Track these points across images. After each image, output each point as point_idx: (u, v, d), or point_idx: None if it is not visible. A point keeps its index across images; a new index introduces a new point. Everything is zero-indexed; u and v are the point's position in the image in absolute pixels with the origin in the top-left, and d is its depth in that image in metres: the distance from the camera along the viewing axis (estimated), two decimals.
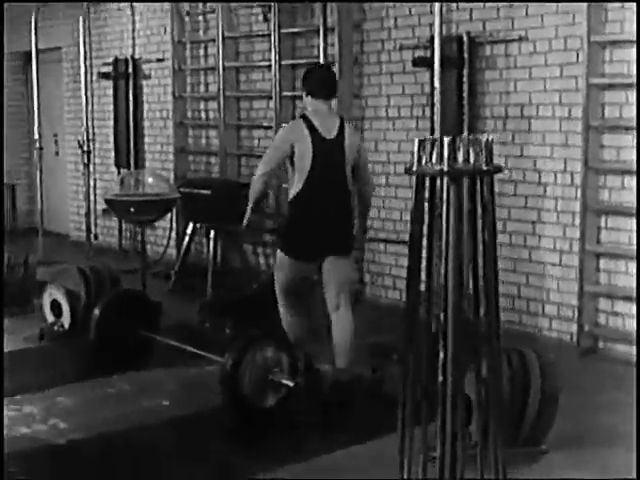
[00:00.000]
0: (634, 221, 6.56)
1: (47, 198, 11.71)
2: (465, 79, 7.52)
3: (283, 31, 9.02)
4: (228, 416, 5.59)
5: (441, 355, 3.93)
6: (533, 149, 7.27)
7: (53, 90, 12.93)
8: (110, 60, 11.17)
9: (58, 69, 12.81)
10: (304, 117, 5.91)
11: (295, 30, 9.10)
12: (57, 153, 13.22)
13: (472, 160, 3.88)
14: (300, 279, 6.13)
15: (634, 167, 6.52)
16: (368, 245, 8.46)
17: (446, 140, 3.79)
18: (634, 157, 6.54)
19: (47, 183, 11.73)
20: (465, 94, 7.51)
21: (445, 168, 3.82)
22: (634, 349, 6.52)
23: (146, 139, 11.06)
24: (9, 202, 13.48)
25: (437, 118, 7.22)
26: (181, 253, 9.69)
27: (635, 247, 6.53)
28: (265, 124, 9.43)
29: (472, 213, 3.91)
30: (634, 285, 6.60)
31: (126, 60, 10.97)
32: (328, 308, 6.07)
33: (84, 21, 10.56)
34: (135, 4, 10.96)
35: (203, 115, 10.46)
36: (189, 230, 9.64)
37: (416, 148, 3.89)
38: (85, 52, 10.61)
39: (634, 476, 4.35)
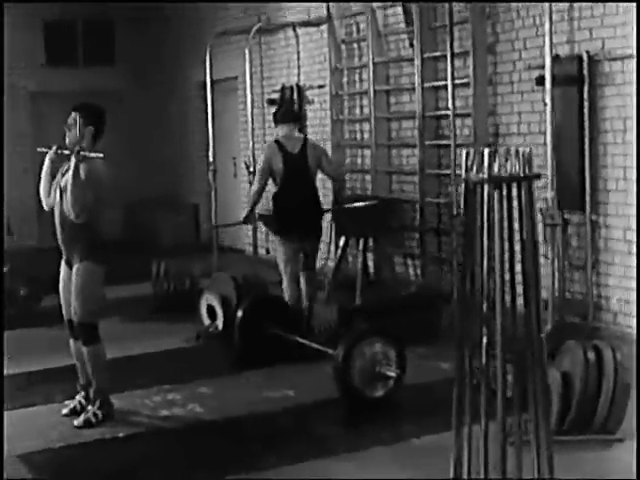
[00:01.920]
0: None
1: (225, 217, 12.68)
2: (585, 95, 7.90)
3: (426, 55, 9.61)
4: (342, 405, 6.24)
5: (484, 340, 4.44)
6: None
7: (231, 117, 13.97)
8: (278, 87, 12.09)
9: (235, 97, 13.83)
10: (276, 140, 8.16)
11: (437, 54, 9.65)
12: (235, 175, 14.25)
13: (512, 169, 4.39)
14: (296, 256, 8.09)
15: None
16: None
17: (486, 151, 4.34)
18: None
19: (226, 202, 12.71)
20: (586, 109, 7.89)
21: (485, 176, 4.34)
22: None
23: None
24: (193, 220, 14.65)
25: (548, 133, 7.62)
26: (334, 265, 10.40)
27: None
28: (412, 143, 10.03)
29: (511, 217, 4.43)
30: None
31: (291, 87, 11.88)
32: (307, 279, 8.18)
33: (249, 53, 11.44)
34: (299, 32, 11.80)
35: (358, 136, 11.19)
36: (341, 243, 10.34)
37: (464, 159, 4.46)
38: (251, 81, 11.50)
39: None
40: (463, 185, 4.49)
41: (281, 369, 7.27)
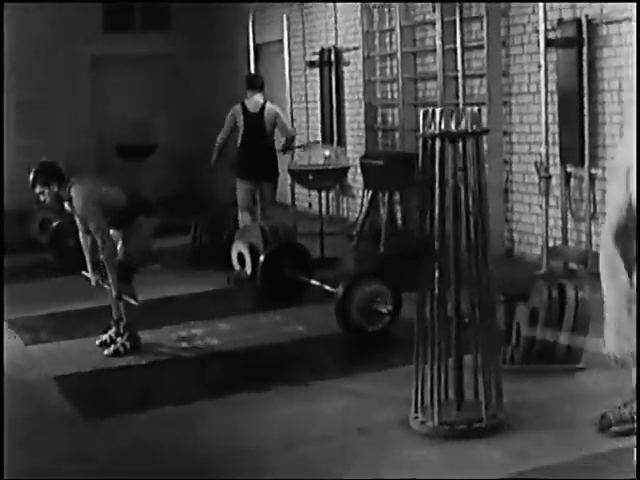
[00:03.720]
0: None
1: None
2: (584, 56, 8.45)
3: (446, 19, 10.20)
4: (343, 338, 6.99)
5: (437, 274, 5.13)
6: None
7: (278, 77, 14.65)
8: (317, 50, 12.77)
9: (281, 59, 14.49)
10: (242, 102, 10.15)
11: (455, 18, 10.22)
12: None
13: (463, 126, 5.06)
14: (249, 193, 10.17)
15: None
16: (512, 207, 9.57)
17: (437, 111, 5.01)
18: None
19: None
20: (585, 70, 8.45)
21: (437, 131, 5.01)
22: None
23: (347, 118, 12.59)
24: None
25: (542, 94, 8.19)
26: (361, 217, 11.10)
27: None
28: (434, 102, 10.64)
29: (464, 168, 5.10)
30: None
31: (329, 50, 12.56)
32: (261, 208, 10.27)
33: (287, 18, 12.13)
34: None
35: (389, 95, 11.83)
36: (368, 196, 11.03)
37: (421, 118, 5.15)
38: (289, 45, 12.18)
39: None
40: (420, 140, 5.17)
41: (296, 309, 8.03)
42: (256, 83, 10.36)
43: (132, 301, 6.83)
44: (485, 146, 9.65)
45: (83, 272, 7.19)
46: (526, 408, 5.50)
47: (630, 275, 3.08)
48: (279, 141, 10.49)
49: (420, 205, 5.33)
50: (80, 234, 7.04)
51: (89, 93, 16.24)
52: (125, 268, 6.82)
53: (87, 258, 7.04)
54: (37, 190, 6.84)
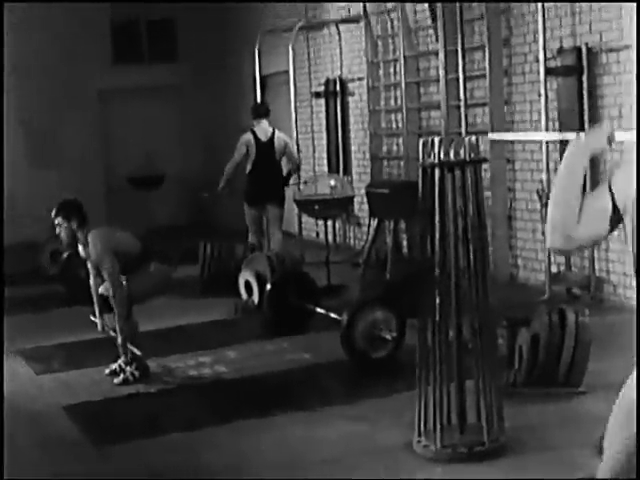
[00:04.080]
0: None
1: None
2: (585, 84, 8.58)
3: (449, 49, 10.35)
4: (349, 365, 7.09)
5: (437, 300, 5.24)
6: None
7: (284, 108, 14.83)
8: (322, 81, 12.95)
9: (287, 89, 14.67)
10: (251, 130, 10.51)
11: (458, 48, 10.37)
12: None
13: (462, 155, 5.18)
14: (257, 219, 10.58)
15: None
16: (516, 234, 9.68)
17: (437, 140, 5.14)
18: None
19: None
20: (585, 97, 8.58)
21: (436, 160, 5.14)
22: None
23: (352, 148, 12.74)
24: None
25: (543, 122, 8.31)
26: (367, 245, 11.20)
27: None
28: (438, 131, 10.79)
29: (463, 195, 5.22)
30: None
31: (334, 80, 12.73)
32: (270, 233, 10.67)
33: (292, 49, 12.28)
34: (341, 28, 12.62)
35: (393, 125, 11.98)
36: (374, 225, 11.13)
37: (420, 147, 5.28)
38: (294, 75, 12.33)
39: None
40: (420, 169, 5.30)
41: (303, 336, 8.13)
42: (262, 111, 10.69)
43: (136, 351, 6.99)
44: (488, 174, 9.87)
45: (91, 317, 7.34)
46: (527, 431, 5.59)
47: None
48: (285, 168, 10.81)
49: (421, 232, 5.44)
50: (91, 279, 7.21)
51: (97, 125, 16.43)
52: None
53: (95, 303, 7.19)
54: (57, 222, 7.00)
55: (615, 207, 3.08)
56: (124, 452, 5.71)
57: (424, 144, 5.27)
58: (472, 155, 5.17)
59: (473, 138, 5.23)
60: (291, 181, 10.93)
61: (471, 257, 5.25)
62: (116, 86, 16.24)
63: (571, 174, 3.12)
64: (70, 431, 6.15)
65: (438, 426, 5.26)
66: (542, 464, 5.14)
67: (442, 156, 5.16)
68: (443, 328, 5.28)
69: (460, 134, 10.38)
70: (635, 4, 7.48)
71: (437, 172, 5.17)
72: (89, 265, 7.22)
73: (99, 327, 7.29)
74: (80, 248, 7.16)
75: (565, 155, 3.22)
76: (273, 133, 10.52)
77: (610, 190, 3.07)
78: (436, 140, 5.18)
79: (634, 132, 3.26)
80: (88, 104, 16.21)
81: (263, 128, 10.50)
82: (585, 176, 3.13)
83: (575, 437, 5.46)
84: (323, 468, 5.24)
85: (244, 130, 10.77)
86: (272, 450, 5.60)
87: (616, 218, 3.10)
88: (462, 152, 5.16)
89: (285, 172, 10.78)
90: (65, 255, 10.68)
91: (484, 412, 5.28)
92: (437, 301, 5.24)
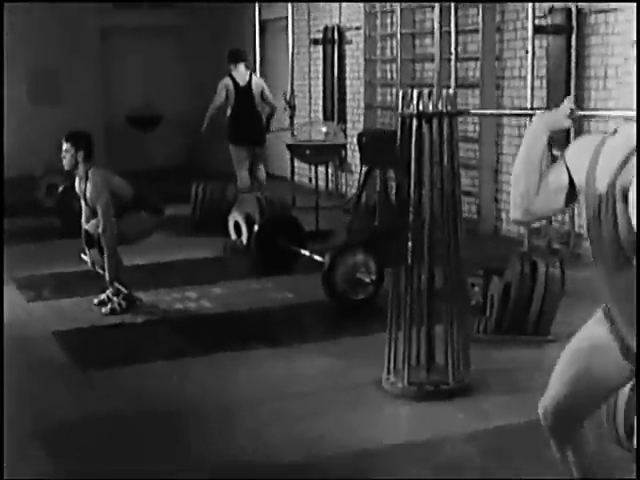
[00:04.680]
0: None
1: (276, 144, 13.68)
2: (573, 44, 8.78)
3: (444, 3, 10.48)
4: (329, 305, 7.38)
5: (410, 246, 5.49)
6: (624, 102, 8.40)
7: (284, 53, 14.97)
8: (321, 28, 13.10)
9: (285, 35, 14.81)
10: (229, 74, 10.88)
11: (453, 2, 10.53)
12: (285, 108, 15.25)
13: (440, 107, 5.40)
14: (243, 156, 10.93)
15: None
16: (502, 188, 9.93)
17: (415, 92, 5.35)
18: None
19: (277, 134, 13.72)
20: (573, 57, 8.78)
21: (414, 111, 5.35)
22: None
23: (348, 96, 12.94)
24: None
25: (528, 78, 8.50)
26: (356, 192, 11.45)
27: None
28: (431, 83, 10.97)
29: (440, 146, 5.45)
30: None
31: (333, 28, 12.88)
32: (254, 170, 11.05)
33: None
34: None
35: (388, 75, 12.16)
36: (364, 172, 11.37)
37: (400, 99, 5.50)
38: (293, 22, 12.47)
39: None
40: (399, 119, 5.53)
41: (287, 277, 8.41)
42: (240, 56, 11.09)
43: (123, 289, 7.27)
44: (477, 127, 10.09)
45: (82, 255, 7.59)
46: (493, 375, 5.87)
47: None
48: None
49: (399, 181, 5.69)
50: (83, 219, 7.44)
51: (98, 63, 16.56)
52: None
53: (84, 242, 7.43)
54: (65, 147, 7.25)
55: (572, 182, 3.22)
56: (108, 377, 6.01)
57: (404, 95, 5.50)
58: (449, 107, 5.39)
59: (451, 91, 5.46)
60: (273, 127, 11.43)
61: (444, 205, 5.49)
62: (118, 25, 16.35)
63: (531, 150, 3.32)
64: (58, 355, 6.44)
65: (406, 365, 5.55)
66: (503, 405, 5.42)
67: (420, 107, 5.39)
68: (415, 273, 5.54)
69: (449, 87, 10.59)
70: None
71: (415, 122, 5.40)
72: (82, 201, 7.46)
73: (89, 264, 7.55)
74: (77, 182, 7.40)
75: (526, 131, 3.43)
76: (250, 77, 11.04)
77: (566, 165, 3.26)
78: (415, 92, 5.40)
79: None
80: (89, 42, 16.33)
81: (241, 73, 10.94)
82: (544, 151, 3.33)
83: (538, 381, 5.67)
84: (296, 401, 5.52)
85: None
86: (250, 381, 5.89)
87: (573, 192, 3.23)
88: (439, 104, 5.39)
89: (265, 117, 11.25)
90: (61, 189, 10.93)
91: (450, 354, 5.56)
92: (409, 246, 5.49)
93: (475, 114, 9.91)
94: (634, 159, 2.97)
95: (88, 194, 7.26)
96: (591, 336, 3.42)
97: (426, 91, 5.40)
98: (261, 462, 4.74)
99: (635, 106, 7.29)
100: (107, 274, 7.31)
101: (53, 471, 4.71)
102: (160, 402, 5.61)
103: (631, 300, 3.08)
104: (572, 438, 3.62)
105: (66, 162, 7.33)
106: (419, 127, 5.41)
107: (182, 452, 4.88)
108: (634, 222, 2.90)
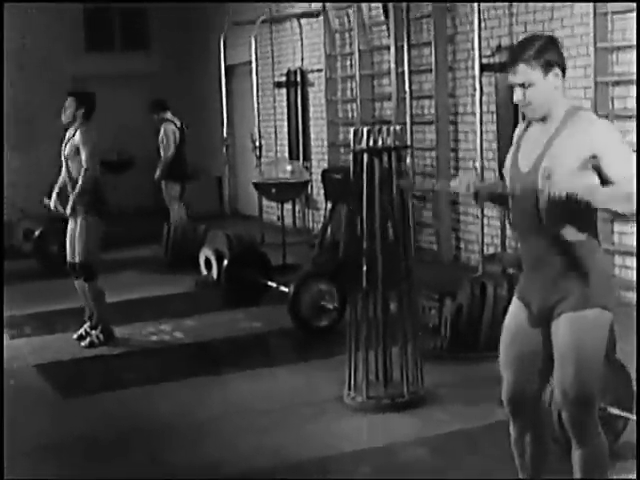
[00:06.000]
0: None
1: (245, 187, 14.23)
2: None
3: (400, 44, 11.07)
4: (295, 332, 7.84)
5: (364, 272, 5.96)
6: None
7: (249, 97, 15.51)
8: (284, 71, 13.67)
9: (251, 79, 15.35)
10: (167, 119, 11.79)
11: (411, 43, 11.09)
12: (252, 149, 15.77)
13: (388, 142, 5.89)
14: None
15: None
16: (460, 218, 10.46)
17: (365, 129, 5.85)
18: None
19: (245, 174, 14.26)
20: None
21: (364, 147, 5.85)
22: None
23: (312, 135, 13.49)
24: (217, 191, 16.31)
25: (477, 113, 9.03)
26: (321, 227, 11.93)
27: None
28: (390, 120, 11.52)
29: (388, 177, 5.94)
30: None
31: (295, 71, 13.45)
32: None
33: (255, 41, 12.96)
34: (302, 22, 13.33)
35: (349, 114, 12.72)
36: (329, 207, 11.85)
37: (352, 136, 6.01)
38: (257, 66, 13.01)
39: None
40: (351, 155, 6.03)
41: (256, 308, 8.87)
42: (167, 104, 12.07)
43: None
44: (434, 162, 10.64)
45: (45, 199, 7.94)
46: (447, 388, 6.35)
47: None
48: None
49: (353, 211, 6.18)
50: (63, 170, 7.86)
51: None
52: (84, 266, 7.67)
53: (56, 189, 7.86)
54: (67, 102, 7.78)
55: None
56: (88, 403, 6.45)
57: (355, 133, 6.01)
58: (397, 142, 5.91)
59: (398, 127, 5.97)
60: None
61: (396, 234, 5.98)
62: (89, 73, 16.83)
63: None
64: (39, 385, 6.87)
65: (365, 381, 6.01)
66: (455, 414, 5.89)
67: (370, 143, 5.90)
68: (370, 298, 6.02)
69: (405, 124, 11.14)
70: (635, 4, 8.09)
71: (366, 157, 5.91)
72: (65, 154, 7.83)
73: (51, 205, 7.87)
74: (67, 145, 7.79)
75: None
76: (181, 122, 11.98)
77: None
78: (365, 129, 5.91)
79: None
80: (62, 89, 16.77)
81: (172, 117, 11.79)
82: None
83: (487, 393, 6.18)
84: (263, 416, 5.97)
85: (212, 116, 11.44)
86: (221, 401, 6.35)
87: None
88: (388, 140, 5.90)
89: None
90: (37, 233, 11.37)
91: (405, 370, 6.03)
92: (364, 273, 5.98)
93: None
94: (554, 146, 3.63)
95: (76, 141, 7.64)
96: (512, 311, 3.93)
97: (376, 128, 5.90)
98: (231, 471, 5.18)
99: (635, 106, 7.87)
100: (88, 307, 7.71)
101: None
102: (136, 423, 6.04)
103: (540, 268, 3.64)
104: (531, 423, 4.04)
105: (64, 116, 7.80)
106: (370, 161, 5.91)
107: (158, 465, 5.31)
108: (558, 195, 3.50)
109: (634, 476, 4.25)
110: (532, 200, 3.67)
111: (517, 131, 3.90)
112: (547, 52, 3.64)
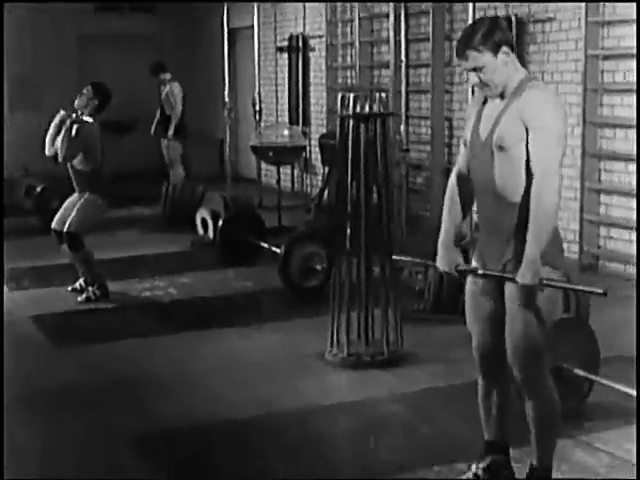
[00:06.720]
0: (626, 164, 8.42)
1: (245, 150, 14.38)
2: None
3: (399, 12, 11.22)
4: (285, 292, 8.08)
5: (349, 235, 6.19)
6: None
7: (251, 61, 15.65)
8: (287, 36, 13.83)
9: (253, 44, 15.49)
10: (172, 80, 12.61)
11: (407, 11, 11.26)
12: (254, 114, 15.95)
13: (374, 109, 6.10)
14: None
15: (627, 122, 8.32)
16: None
17: (352, 96, 6.05)
18: (628, 114, 8.34)
19: (247, 138, 14.40)
20: None
21: (351, 113, 6.06)
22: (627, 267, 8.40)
23: (311, 101, 13.67)
24: (218, 153, 16.50)
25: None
26: (318, 191, 12.17)
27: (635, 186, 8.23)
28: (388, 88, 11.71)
29: (373, 144, 6.15)
30: (628, 215, 8.42)
31: (297, 37, 13.61)
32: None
33: (258, 6, 13.09)
34: None
35: (348, 81, 12.89)
36: (326, 172, 12.09)
37: (339, 102, 6.21)
38: (259, 31, 13.16)
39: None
40: (338, 120, 6.24)
41: (248, 268, 9.11)
42: (166, 67, 12.84)
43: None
44: (429, 130, 10.83)
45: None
46: (426, 348, 6.59)
47: (463, 210, 4.16)
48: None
49: (339, 177, 6.39)
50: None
51: (75, 70, 17.17)
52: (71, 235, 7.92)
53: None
54: (85, 90, 8.03)
55: None
56: (81, 353, 6.70)
57: (342, 99, 6.22)
58: (382, 109, 6.12)
59: (383, 94, 6.18)
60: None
61: (380, 198, 6.20)
62: (94, 33, 17.00)
63: None
64: (35, 335, 7.13)
65: (346, 339, 6.26)
66: (431, 372, 6.14)
67: (357, 109, 6.11)
68: (354, 260, 6.25)
69: (401, 92, 11.32)
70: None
71: (352, 123, 6.12)
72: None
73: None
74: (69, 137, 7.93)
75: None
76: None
77: None
78: (351, 96, 6.12)
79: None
80: (67, 50, 16.97)
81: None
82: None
83: (465, 354, 6.42)
84: (251, 369, 6.24)
85: (214, 81, 11.65)
86: (210, 355, 6.60)
87: None
88: (374, 106, 6.11)
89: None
90: (38, 190, 11.60)
91: (386, 329, 6.27)
92: (348, 237, 6.21)
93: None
94: (504, 117, 3.89)
95: (86, 141, 7.83)
96: (470, 277, 4.17)
97: (363, 95, 6.11)
98: (220, 419, 5.42)
99: (635, 106, 8.07)
100: (79, 270, 7.97)
101: (31, 431, 5.36)
102: (127, 373, 6.28)
103: (493, 232, 3.88)
104: (499, 380, 4.28)
105: (78, 101, 8.01)
106: (356, 127, 6.12)
107: (147, 413, 5.57)
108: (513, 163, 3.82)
109: (634, 476, 4.38)
110: (488, 165, 3.92)
111: (476, 106, 4.10)
112: (492, 35, 3.87)
